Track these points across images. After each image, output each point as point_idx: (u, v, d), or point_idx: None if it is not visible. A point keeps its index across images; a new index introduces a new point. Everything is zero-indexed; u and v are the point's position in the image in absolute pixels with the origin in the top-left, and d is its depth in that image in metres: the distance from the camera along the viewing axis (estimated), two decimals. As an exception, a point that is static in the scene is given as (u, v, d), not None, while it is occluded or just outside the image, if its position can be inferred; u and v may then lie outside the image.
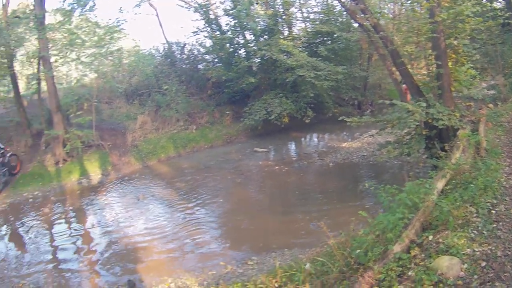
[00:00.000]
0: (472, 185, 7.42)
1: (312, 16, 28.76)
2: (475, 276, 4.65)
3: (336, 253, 6.28)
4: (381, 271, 5.08)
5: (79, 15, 22.63)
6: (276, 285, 6.59)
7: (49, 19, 21.23)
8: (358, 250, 5.95)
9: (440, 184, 7.71)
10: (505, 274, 4.57)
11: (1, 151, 17.97)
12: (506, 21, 16.65)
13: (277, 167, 18.10)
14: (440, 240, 5.56)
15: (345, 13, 26.05)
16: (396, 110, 13.76)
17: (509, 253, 5.00)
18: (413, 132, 13.21)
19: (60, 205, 16.12)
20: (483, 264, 4.86)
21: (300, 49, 24.18)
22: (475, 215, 6.32)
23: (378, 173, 15.41)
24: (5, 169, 18.06)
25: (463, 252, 5.10)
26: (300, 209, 12.99)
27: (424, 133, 12.67)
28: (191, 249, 11.09)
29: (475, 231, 5.74)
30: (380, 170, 15.68)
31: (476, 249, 5.20)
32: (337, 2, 21.61)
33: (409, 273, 4.99)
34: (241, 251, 10.71)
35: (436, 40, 13.02)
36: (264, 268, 9.28)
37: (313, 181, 16.08)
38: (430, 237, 5.76)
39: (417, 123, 12.40)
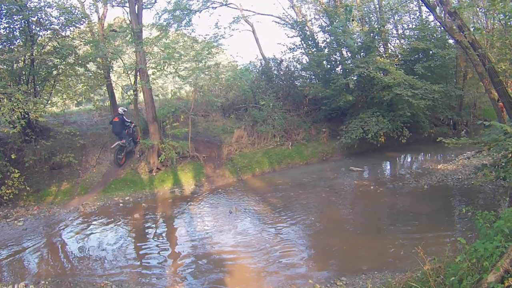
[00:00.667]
0: None
1: (407, 32, 28.53)
2: None
3: (430, 279, 6.30)
4: None
5: (175, 30, 23.52)
6: None
7: (145, 33, 22.27)
8: (453, 278, 5.95)
9: (539, 213, 7.57)
10: None
11: (128, 124, 20.71)
12: None
13: (371, 187, 18.04)
14: None
15: (440, 28, 25.75)
16: (493, 132, 13.43)
17: None
18: (510, 155, 12.87)
19: (150, 212, 16.70)
20: None
21: (397, 66, 24.03)
22: None
23: (473, 197, 15.03)
24: (131, 138, 20.63)
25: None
26: (392, 231, 12.84)
27: (521, 157, 12.37)
28: (279, 267, 11.06)
29: None
30: (475, 195, 15.29)
31: None
32: (432, 17, 21.42)
33: None
34: (330, 271, 10.67)
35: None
36: None
37: (407, 203, 15.82)
38: (526, 268, 5.67)
39: (515, 146, 12.10)
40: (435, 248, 9.28)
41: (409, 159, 24.50)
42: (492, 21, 26.51)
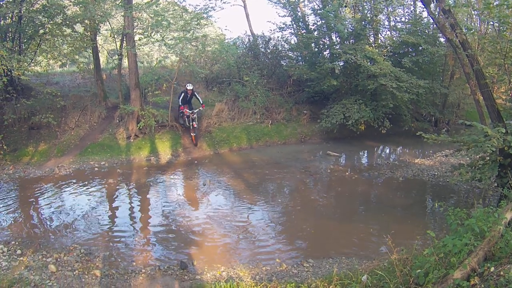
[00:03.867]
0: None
1: (399, 25, 28.46)
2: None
3: (396, 269, 6.33)
4: None
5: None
6: None
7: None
8: (419, 270, 5.97)
9: (509, 215, 7.60)
10: None
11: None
12: None
13: (347, 174, 18.10)
14: (502, 273, 5.46)
15: (432, 25, 25.73)
16: (473, 133, 13.48)
17: None
18: (487, 158, 12.94)
19: (125, 178, 16.67)
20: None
21: (385, 57, 23.95)
22: (543, 251, 6.19)
23: (446, 195, 15.10)
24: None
25: (523, 289, 5.08)
26: (363, 220, 12.95)
27: (498, 160, 12.46)
28: (248, 242, 11.19)
29: (540, 269, 5.64)
30: (449, 193, 15.38)
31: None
32: (426, 13, 21.38)
33: None
34: (297, 252, 10.74)
35: (523, 65, 12.79)
36: (319, 272, 9.29)
37: (381, 193, 15.94)
38: (492, 269, 5.65)
39: (494, 149, 12.18)
40: (404, 240, 9.32)
41: (387, 150, 24.49)
42: (485, 26, 26.62)
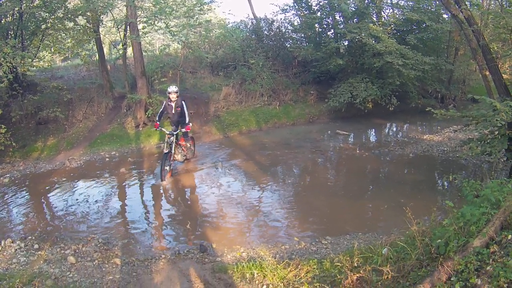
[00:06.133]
0: (555, 187, 7.41)
1: (402, 2, 28.50)
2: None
3: (416, 240, 6.50)
4: (461, 263, 5.30)
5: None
6: (354, 265, 6.86)
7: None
8: (439, 240, 6.11)
9: (523, 186, 7.80)
10: None
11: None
12: None
13: (357, 152, 18.34)
14: None
15: (435, 2, 25.79)
16: (482, 107, 13.62)
17: None
18: (496, 132, 13.08)
19: (136, 167, 16.64)
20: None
21: (389, 35, 24.05)
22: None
23: (457, 170, 15.15)
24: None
25: (541, 253, 5.27)
26: (376, 197, 13.07)
27: (507, 133, 12.61)
28: (264, 223, 11.24)
29: (555, 233, 5.83)
30: (459, 167, 15.51)
31: (556, 252, 5.33)
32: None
33: (487, 268, 5.16)
34: (314, 230, 10.83)
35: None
36: (338, 248, 9.36)
37: (392, 169, 16.10)
38: (510, 236, 5.83)
39: (503, 123, 12.32)
40: (420, 214, 9.43)
41: (395, 127, 24.73)
42: (488, 1, 26.66)
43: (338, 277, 6.63)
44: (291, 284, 7.01)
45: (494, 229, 6.13)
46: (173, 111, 15.09)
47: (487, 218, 6.37)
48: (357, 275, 6.33)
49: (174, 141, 14.71)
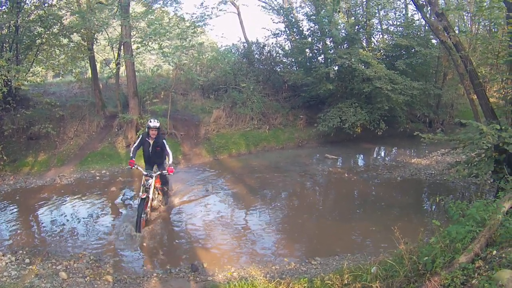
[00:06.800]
0: (539, 209, 7.64)
1: (392, 28, 28.95)
2: (534, 291, 5.00)
3: (404, 258, 6.64)
4: (447, 278, 5.44)
5: (161, 6, 23.61)
6: (344, 283, 6.97)
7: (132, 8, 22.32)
8: (426, 258, 6.29)
9: (507, 205, 7.97)
10: None
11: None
12: None
13: (345, 175, 18.41)
14: (503, 255, 5.83)
15: (424, 27, 26.28)
16: (469, 131, 13.86)
17: None
18: (483, 155, 13.33)
19: (127, 186, 16.71)
20: (544, 281, 5.20)
21: (378, 60, 24.37)
22: (539, 236, 6.56)
23: (445, 192, 15.18)
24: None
25: (524, 268, 5.43)
26: (364, 219, 13.22)
27: (494, 156, 12.84)
28: (254, 244, 11.35)
29: (539, 251, 6.02)
30: (446, 190, 15.64)
31: (538, 268, 5.50)
32: (418, 16, 21.83)
33: (473, 281, 5.32)
34: (304, 251, 10.98)
35: (515, 64, 13.19)
36: (327, 269, 9.48)
37: (380, 193, 16.24)
38: (494, 252, 6.05)
39: (489, 145, 12.56)
40: (407, 234, 9.52)
41: (383, 152, 25.04)
42: (476, 26, 27.08)
43: (329, 295, 6.75)
44: (283, 302, 7.10)
45: (479, 245, 6.32)
46: (150, 149, 12.82)
47: (473, 236, 6.55)
48: (348, 292, 6.47)
49: (153, 184, 12.28)
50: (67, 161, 19.25)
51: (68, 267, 9.50)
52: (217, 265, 9.90)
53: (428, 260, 6.18)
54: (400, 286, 6.30)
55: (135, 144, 12.99)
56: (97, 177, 17.93)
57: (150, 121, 12.67)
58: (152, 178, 12.24)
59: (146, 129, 12.82)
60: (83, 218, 13.00)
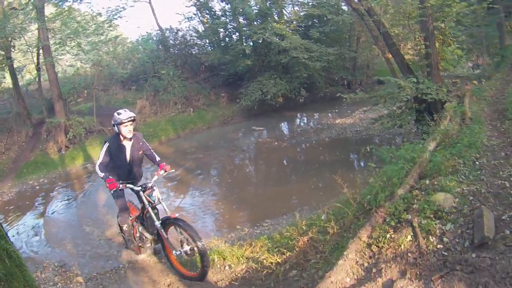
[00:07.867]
0: (459, 144, 8.50)
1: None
2: (465, 206, 5.74)
3: (350, 199, 7.32)
4: (391, 207, 6.11)
5: (70, 5, 23.40)
6: (301, 231, 7.55)
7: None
8: (369, 196, 6.96)
9: (432, 145, 8.82)
10: (489, 203, 5.71)
11: None
12: (490, 5, 17.34)
13: (275, 143, 19.11)
14: (435, 183, 6.59)
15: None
16: (388, 87, 14.81)
17: (491, 190, 6.09)
18: (404, 107, 14.32)
19: (68, 189, 16.64)
20: (471, 198, 5.93)
21: (293, 32, 25.10)
22: (462, 165, 7.38)
23: (372, 145, 16.13)
24: None
25: (454, 191, 6.10)
26: (302, 180, 13.83)
27: (414, 106, 13.83)
28: (205, 220, 11.74)
29: (463, 176, 6.82)
30: (373, 143, 16.39)
31: (465, 188, 6.22)
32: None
33: (414, 206, 6.06)
34: (252, 217, 11.46)
35: (425, 23, 14.11)
36: (279, 227, 9.86)
37: (311, 154, 17.01)
38: (427, 182, 6.84)
39: (408, 98, 13.52)
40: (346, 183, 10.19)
41: (308, 117, 25.76)
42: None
43: (291, 242, 7.31)
44: (250, 259, 7.60)
45: (413, 179, 7.10)
46: (128, 157, 8.35)
47: (406, 172, 7.33)
48: (307, 237, 7.09)
49: (158, 194, 8.11)
50: (3, 176, 18.87)
51: (37, 279, 9.20)
52: (176, 244, 10.11)
53: (371, 198, 6.80)
54: (351, 224, 6.96)
55: (101, 158, 8.02)
56: (37, 187, 17.64)
57: (119, 113, 7.88)
58: (154, 189, 8.10)
59: (115, 127, 7.93)
60: (33, 229, 12.82)
